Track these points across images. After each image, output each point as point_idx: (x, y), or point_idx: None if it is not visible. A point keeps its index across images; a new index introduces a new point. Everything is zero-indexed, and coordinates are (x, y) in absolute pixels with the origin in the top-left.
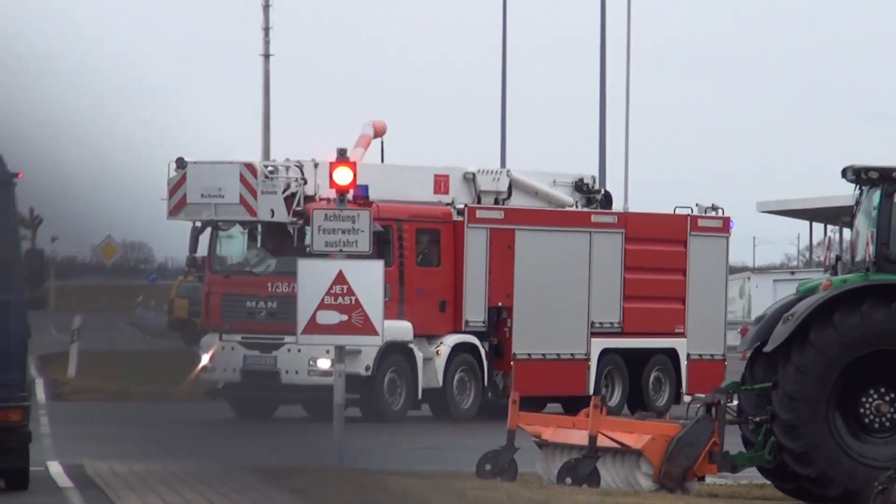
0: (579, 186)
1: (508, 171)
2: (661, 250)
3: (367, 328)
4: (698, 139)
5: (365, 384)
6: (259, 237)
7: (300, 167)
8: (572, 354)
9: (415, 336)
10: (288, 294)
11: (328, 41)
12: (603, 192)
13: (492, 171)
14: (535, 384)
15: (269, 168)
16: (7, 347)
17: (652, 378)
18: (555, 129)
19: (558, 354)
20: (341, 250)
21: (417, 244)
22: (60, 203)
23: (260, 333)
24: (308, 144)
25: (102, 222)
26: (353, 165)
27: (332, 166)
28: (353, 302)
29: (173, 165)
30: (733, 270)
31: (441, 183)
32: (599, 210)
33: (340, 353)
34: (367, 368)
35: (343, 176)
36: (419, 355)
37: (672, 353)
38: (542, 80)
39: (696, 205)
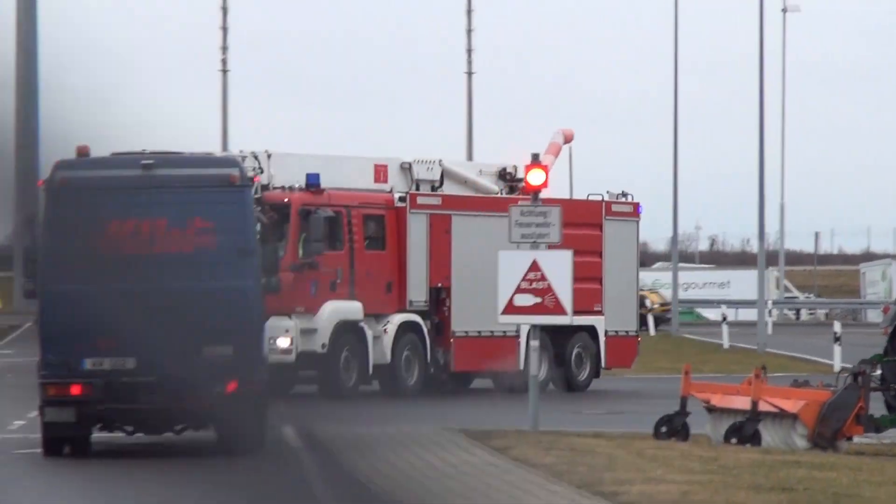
0: (503, 175)
1: (440, 161)
2: (580, 234)
3: (558, 309)
4: (843, 143)
5: (321, 361)
6: None
7: (256, 157)
8: (504, 332)
9: (364, 315)
10: None
11: (522, 60)
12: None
13: (426, 161)
14: (472, 360)
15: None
16: (246, 326)
17: (574, 354)
18: (715, 139)
19: (492, 332)
20: (535, 241)
21: (365, 229)
22: None
23: None
24: (505, 150)
25: None
26: (545, 168)
27: (527, 169)
28: (546, 286)
29: None
30: (875, 258)
31: (381, 172)
32: (524, 196)
33: (535, 331)
34: (322, 346)
35: (536, 177)
36: (369, 333)
37: (591, 331)
38: (705, 93)
39: (608, 191)
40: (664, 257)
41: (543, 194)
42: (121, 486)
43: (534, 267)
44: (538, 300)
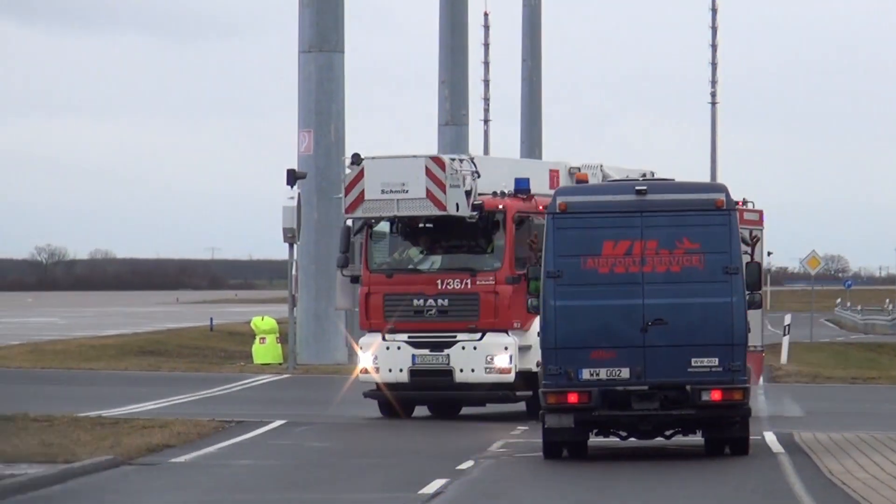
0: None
1: (601, 165)
2: None
3: None
4: None
5: (532, 380)
6: (423, 233)
7: (472, 161)
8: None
9: None
10: (461, 291)
11: None
12: None
13: (591, 166)
14: None
15: (455, 161)
16: (732, 339)
17: None
18: None
19: None
20: None
21: None
22: None
23: (429, 332)
24: None
25: None
26: None
27: None
28: None
29: (348, 161)
30: None
31: (554, 177)
32: None
33: None
34: (538, 364)
35: None
36: None
37: None
38: None
39: None
40: None
41: None
42: (614, 485)
43: None
44: None
